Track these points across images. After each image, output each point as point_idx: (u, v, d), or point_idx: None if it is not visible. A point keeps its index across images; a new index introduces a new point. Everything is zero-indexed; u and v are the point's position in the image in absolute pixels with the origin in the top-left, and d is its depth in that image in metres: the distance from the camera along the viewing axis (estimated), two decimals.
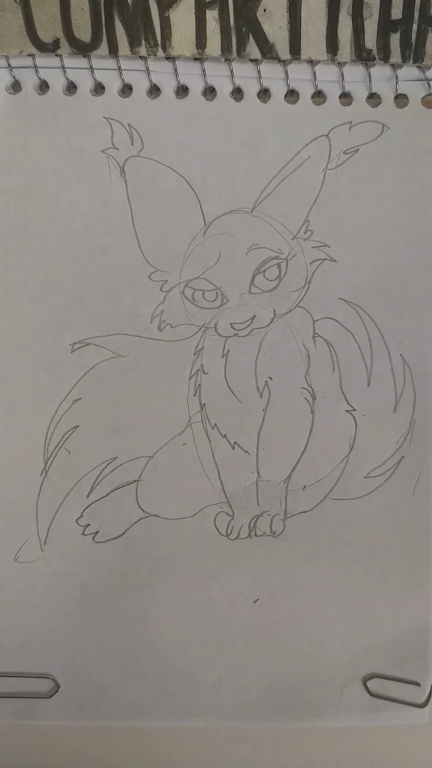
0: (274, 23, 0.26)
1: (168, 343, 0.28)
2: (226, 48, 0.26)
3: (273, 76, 0.27)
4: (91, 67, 0.27)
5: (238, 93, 0.27)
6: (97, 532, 0.29)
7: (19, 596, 0.29)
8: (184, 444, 0.29)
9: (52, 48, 0.26)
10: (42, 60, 0.27)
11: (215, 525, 0.29)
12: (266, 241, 0.28)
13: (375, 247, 0.28)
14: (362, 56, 0.27)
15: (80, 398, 0.28)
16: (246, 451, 0.29)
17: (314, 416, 0.29)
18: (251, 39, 0.26)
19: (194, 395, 0.29)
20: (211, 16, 0.26)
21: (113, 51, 0.26)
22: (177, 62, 0.27)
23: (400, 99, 0.27)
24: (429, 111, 0.27)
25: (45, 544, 0.29)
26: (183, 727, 0.30)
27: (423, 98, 0.27)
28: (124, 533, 0.29)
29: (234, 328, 0.28)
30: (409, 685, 0.30)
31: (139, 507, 0.29)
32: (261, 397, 0.29)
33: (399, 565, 0.30)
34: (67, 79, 0.27)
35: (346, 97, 0.27)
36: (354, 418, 0.29)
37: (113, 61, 0.27)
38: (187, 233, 0.28)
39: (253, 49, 0.26)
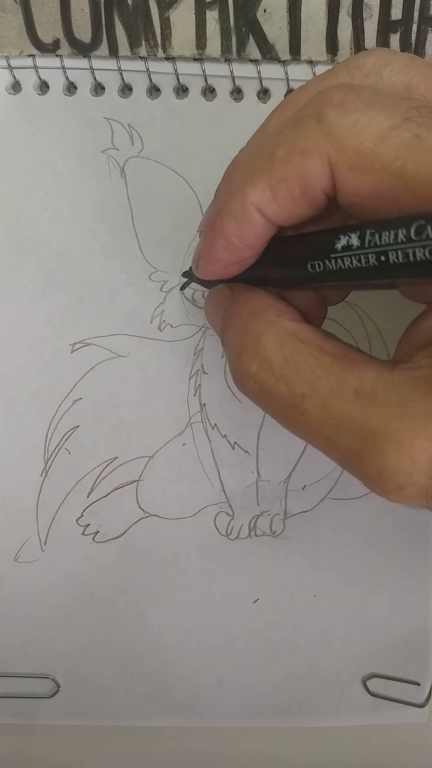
0: (274, 23, 0.26)
1: (168, 343, 0.28)
2: (226, 48, 0.26)
3: (273, 76, 0.27)
4: (91, 68, 0.27)
5: (238, 93, 0.27)
6: (97, 532, 0.29)
7: (19, 596, 0.29)
8: (184, 444, 0.29)
9: (52, 48, 0.26)
10: (42, 60, 0.27)
11: (215, 525, 0.29)
12: None
13: None
14: None
15: (80, 398, 0.28)
16: (246, 451, 0.29)
17: None
18: (251, 39, 0.26)
19: (194, 395, 0.29)
20: (211, 16, 0.26)
21: (113, 51, 0.26)
22: (177, 62, 0.27)
23: None
24: None
25: (45, 544, 0.29)
26: (183, 727, 0.30)
27: None
28: (124, 533, 0.29)
29: None
30: (409, 685, 0.30)
31: (139, 507, 0.29)
32: None
33: (399, 565, 0.30)
34: (67, 79, 0.27)
35: None
36: None
37: (113, 62, 0.27)
38: (187, 233, 0.28)
39: (253, 50, 0.27)
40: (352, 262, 0.16)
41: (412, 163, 0.15)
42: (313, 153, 0.17)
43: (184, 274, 0.27)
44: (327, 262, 0.17)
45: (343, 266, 0.17)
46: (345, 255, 0.17)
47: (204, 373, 0.28)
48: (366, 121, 0.16)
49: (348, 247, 0.16)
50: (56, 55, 0.27)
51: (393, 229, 0.15)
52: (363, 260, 0.16)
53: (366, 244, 0.16)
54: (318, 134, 0.17)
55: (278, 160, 0.17)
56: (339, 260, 0.17)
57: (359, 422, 0.16)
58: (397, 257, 0.15)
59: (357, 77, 0.19)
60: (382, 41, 0.27)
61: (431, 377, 0.16)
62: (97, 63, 0.27)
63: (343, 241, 0.17)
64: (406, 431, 0.15)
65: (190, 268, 0.27)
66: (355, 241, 0.16)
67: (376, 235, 0.16)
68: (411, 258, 0.15)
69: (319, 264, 0.18)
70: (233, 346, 0.19)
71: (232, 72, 0.27)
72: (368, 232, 0.16)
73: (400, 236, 0.15)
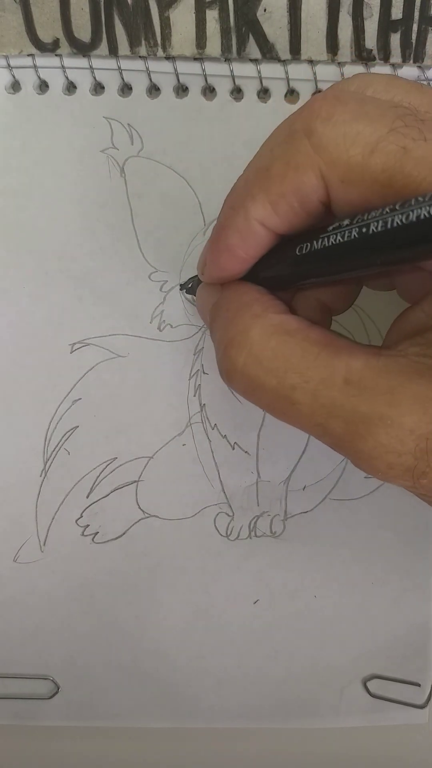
0: (274, 23, 0.26)
1: (168, 343, 0.28)
2: (226, 48, 0.26)
3: (273, 75, 0.27)
4: (91, 67, 0.27)
5: (237, 92, 0.27)
6: (97, 532, 0.29)
7: (19, 597, 0.29)
8: (184, 444, 0.29)
9: (51, 48, 0.26)
10: (42, 60, 0.27)
11: (215, 525, 0.29)
12: None
13: None
14: (362, 56, 0.27)
15: (80, 398, 0.28)
16: (246, 452, 0.29)
17: None
18: (251, 39, 0.26)
19: (194, 395, 0.28)
20: (211, 16, 0.26)
21: (113, 51, 0.26)
22: (177, 62, 0.27)
23: None
24: None
25: (44, 544, 0.29)
26: (183, 728, 0.30)
27: None
28: (123, 534, 0.29)
29: None
30: (410, 686, 0.30)
31: (139, 507, 0.29)
32: None
33: (399, 565, 0.30)
34: (67, 78, 0.27)
35: None
36: None
37: (113, 61, 0.27)
38: (187, 233, 0.28)
39: (253, 49, 0.26)
40: (336, 239, 0.17)
41: (399, 174, 0.16)
42: (307, 168, 0.17)
43: (182, 287, 0.28)
44: (315, 242, 0.18)
45: (327, 243, 0.17)
46: (332, 233, 0.17)
47: (204, 373, 0.28)
48: (354, 134, 0.17)
49: (338, 227, 0.17)
50: (56, 55, 0.27)
51: (381, 208, 0.16)
52: (347, 234, 0.17)
53: (354, 221, 0.17)
54: (309, 149, 0.17)
55: (274, 177, 0.18)
56: (324, 239, 0.18)
57: (350, 409, 0.17)
58: (377, 226, 0.16)
59: None
60: (383, 41, 0.26)
61: (417, 363, 0.17)
62: (96, 62, 0.27)
63: (335, 224, 0.17)
64: (396, 415, 0.17)
65: (187, 282, 0.27)
66: (345, 221, 0.17)
67: (366, 215, 0.17)
68: (389, 224, 0.16)
69: (306, 245, 0.18)
70: (220, 340, 0.20)
71: (232, 71, 0.27)
72: (359, 215, 0.17)
73: (385, 210, 0.16)
